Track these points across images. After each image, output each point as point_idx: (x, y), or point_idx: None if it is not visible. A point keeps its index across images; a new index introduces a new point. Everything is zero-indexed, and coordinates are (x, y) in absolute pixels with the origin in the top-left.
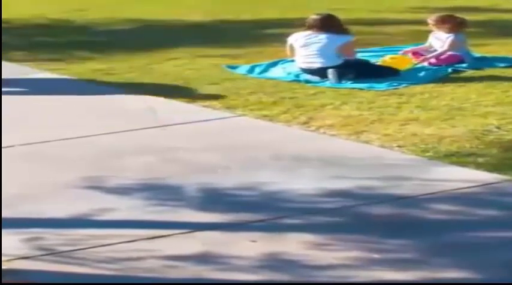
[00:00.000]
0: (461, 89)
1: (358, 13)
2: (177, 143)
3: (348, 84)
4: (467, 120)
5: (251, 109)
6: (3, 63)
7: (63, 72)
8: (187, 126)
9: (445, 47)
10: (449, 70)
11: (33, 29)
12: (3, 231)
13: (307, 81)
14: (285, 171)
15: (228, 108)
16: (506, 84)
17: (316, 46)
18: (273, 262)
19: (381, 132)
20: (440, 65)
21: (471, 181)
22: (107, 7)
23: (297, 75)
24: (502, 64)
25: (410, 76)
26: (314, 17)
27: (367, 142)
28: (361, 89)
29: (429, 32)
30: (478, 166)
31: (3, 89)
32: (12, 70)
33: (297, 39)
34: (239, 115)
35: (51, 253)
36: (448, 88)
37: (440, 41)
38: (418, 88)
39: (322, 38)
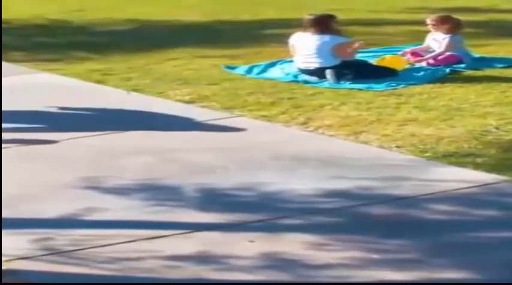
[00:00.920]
0: (460, 89)
1: (357, 13)
2: (176, 143)
3: (347, 85)
4: (466, 121)
5: (250, 110)
6: (3, 63)
7: (62, 73)
8: (186, 127)
9: (442, 48)
10: (448, 70)
11: (33, 29)
12: (3, 231)
13: (306, 82)
14: (283, 171)
15: (227, 108)
16: (504, 84)
17: (313, 46)
18: (272, 262)
19: (380, 132)
20: (438, 65)
21: (470, 182)
22: (106, 8)
23: (296, 76)
24: (501, 65)
25: (409, 77)
26: (309, 17)
27: (365, 142)
28: (359, 89)
29: (428, 32)
30: (477, 166)
31: None
32: (12, 70)
33: (297, 39)
34: (238, 116)
35: (51, 253)
36: (447, 88)
37: (437, 42)
38: (417, 88)
39: (318, 38)
